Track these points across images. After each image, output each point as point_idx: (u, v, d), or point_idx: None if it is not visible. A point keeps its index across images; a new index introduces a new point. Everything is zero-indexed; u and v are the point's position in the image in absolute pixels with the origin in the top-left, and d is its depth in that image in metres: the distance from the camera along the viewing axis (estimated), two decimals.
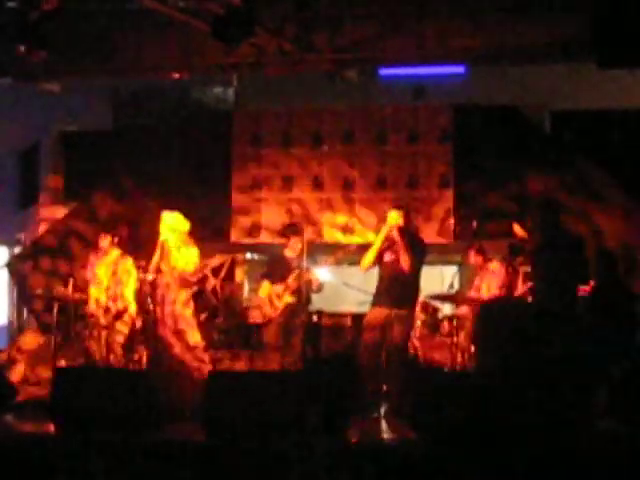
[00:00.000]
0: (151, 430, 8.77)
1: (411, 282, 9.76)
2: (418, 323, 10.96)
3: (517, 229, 9.91)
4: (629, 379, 8.60)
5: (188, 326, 9.99)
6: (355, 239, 12.00)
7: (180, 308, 9.95)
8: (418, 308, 10.78)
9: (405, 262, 9.51)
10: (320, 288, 10.90)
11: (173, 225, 10.04)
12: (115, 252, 10.81)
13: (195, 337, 10.02)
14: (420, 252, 9.80)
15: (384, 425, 9.17)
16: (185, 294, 10.01)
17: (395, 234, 9.62)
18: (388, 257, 9.76)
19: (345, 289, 10.97)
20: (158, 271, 10.00)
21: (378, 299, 9.76)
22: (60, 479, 8.06)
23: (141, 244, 11.30)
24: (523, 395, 8.36)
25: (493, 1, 9.90)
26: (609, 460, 7.24)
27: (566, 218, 10.37)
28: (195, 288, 10.56)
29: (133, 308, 10.54)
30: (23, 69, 10.84)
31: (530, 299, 9.92)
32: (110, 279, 10.70)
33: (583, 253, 9.62)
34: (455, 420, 8.13)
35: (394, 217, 9.74)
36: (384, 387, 9.70)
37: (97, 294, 10.73)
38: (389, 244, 9.73)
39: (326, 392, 8.46)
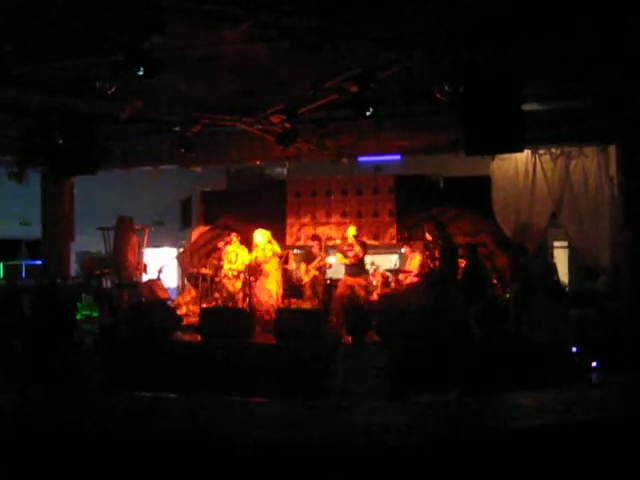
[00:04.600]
0: (247, 337, 8.91)
1: (364, 264, 9.93)
2: (376, 283, 10.87)
3: (427, 235, 9.96)
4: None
5: (271, 286, 10.10)
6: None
7: (269, 277, 10.08)
8: (378, 276, 10.80)
9: (360, 253, 9.62)
10: (330, 267, 10.95)
11: (265, 235, 10.21)
12: (236, 243, 10.77)
13: (274, 292, 10.13)
14: (365, 247, 10.02)
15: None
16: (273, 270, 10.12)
17: (352, 239, 9.76)
18: (350, 252, 9.83)
19: (340, 267, 10.75)
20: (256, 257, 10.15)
21: (347, 272, 9.92)
22: (200, 363, 8.18)
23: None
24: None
25: (416, 122, 9.82)
26: None
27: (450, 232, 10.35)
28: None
29: (243, 276, 10.48)
30: (183, 161, 10.89)
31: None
32: (232, 258, 10.64)
33: (457, 250, 9.69)
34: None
35: (352, 230, 10.06)
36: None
37: (227, 266, 10.68)
38: (349, 244, 9.98)
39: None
